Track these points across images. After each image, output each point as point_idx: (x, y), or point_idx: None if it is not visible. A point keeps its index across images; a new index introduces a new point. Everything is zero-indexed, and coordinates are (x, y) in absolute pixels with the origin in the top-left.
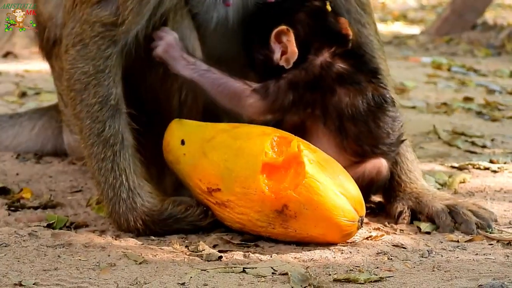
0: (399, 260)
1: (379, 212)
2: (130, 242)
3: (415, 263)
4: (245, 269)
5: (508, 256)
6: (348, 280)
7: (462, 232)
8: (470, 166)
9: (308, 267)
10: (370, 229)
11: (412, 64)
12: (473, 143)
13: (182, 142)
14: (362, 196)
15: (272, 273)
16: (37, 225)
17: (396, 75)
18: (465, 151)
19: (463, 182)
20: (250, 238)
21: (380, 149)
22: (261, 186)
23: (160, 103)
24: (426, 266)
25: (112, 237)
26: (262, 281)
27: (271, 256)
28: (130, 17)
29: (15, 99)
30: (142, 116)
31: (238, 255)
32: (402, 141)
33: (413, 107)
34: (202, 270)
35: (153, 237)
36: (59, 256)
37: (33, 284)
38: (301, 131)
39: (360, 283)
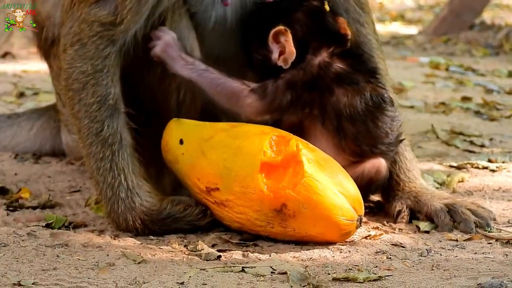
0: (398, 259)
1: (378, 211)
2: (129, 241)
3: (414, 262)
4: (244, 269)
5: (507, 254)
6: (347, 279)
7: (461, 231)
8: (468, 166)
9: (307, 266)
10: (369, 228)
11: (410, 64)
12: (471, 143)
13: (181, 142)
14: (361, 195)
15: (271, 272)
16: (35, 225)
17: (394, 75)
18: (464, 151)
19: (461, 181)
20: (249, 238)
21: (379, 149)
22: (260, 185)
23: (158, 103)
24: (425, 265)
25: (111, 237)
26: (261, 281)
27: (270, 256)
28: (129, 17)
29: (13, 99)
30: (140, 115)
31: (237, 254)
32: (401, 140)
33: (411, 107)
34: (201, 269)
35: (152, 237)
36: (58, 256)
37: (32, 283)
38: (299, 131)
39: (359, 282)
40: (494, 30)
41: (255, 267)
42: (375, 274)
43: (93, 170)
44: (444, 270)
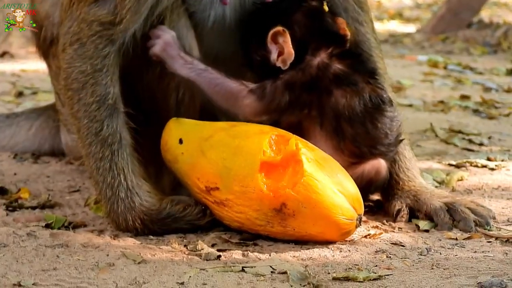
0: (398, 258)
1: (377, 210)
2: (129, 241)
3: (413, 261)
4: (244, 268)
5: (506, 253)
6: (347, 279)
7: (460, 230)
8: (467, 164)
9: (307, 265)
10: (368, 227)
11: (408, 62)
12: (470, 141)
13: (180, 141)
14: (360, 194)
15: (271, 272)
16: (35, 225)
17: (392, 73)
18: (463, 149)
19: (460, 180)
20: (249, 237)
21: (379, 150)
22: (259, 184)
23: (157, 102)
24: (425, 264)
25: (111, 237)
26: (261, 280)
27: (270, 255)
28: (128, 16)
29: (11, 99)
30: (139, 115)
31: (237, 254)
32: (401, 140)
33: (410, 105)
34: (201, 269)
35: (151, 237)
36: (57, 256)
37: (32, 284)
38: (298, 132)
39: (359, 282)
40: (492, 29)
41: (255, 266)
42: (375, 273)
43: (92, 170)
44: (444, 269)
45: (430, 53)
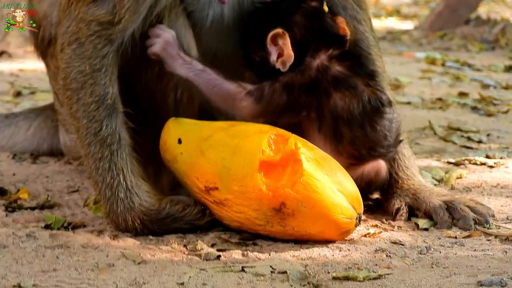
0: (398, 257)
1: (376, 209)
2: (128, 242)
3: (413, 260)
4: (244, 268)
5: (506, 251)
6: (347, 278)
7: (460, 228)
8: (466, 162)
9: (306, 265)
10: (368, 226)
11: (406, 59)
12: (469, 139)
13: (179, 141)
14: (359, 194)
15: (271, 271)
16: (35, 226)
17: (390, 71)
18: (461, 147)
19: (459, 178)
20: (248, 237)
21: (378, 151)
22: (258, 184)
23: (156, 102)
24: (424, 263)
25: (110, 237)
26: (261, 280)
27: (269, 255)
28: (127, 16)
29: (10, 99)
30: (138, 115)
31: (236, 254)
32: (400, 141)
33: (408, 103)
34: (201, 269)
35: (151, 237)
36: (57, 257)
37: (32, 285)
38: (296, 134)
39: (359, 281)
40: (489, 25)
41: (255, 266)
42: (375, 272)
43: (91, 170)
44: (444, 268)
45: (428, 50)
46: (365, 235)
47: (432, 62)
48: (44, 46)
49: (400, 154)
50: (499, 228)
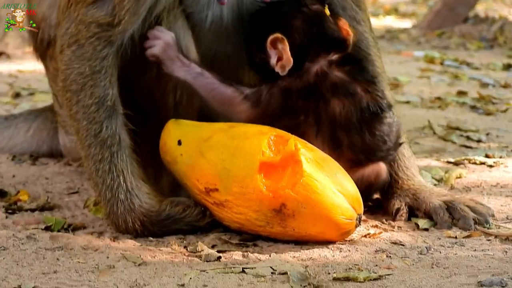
0: (398, 258)
1: (376, 209)
2: (129, 243)
3: (414, 260)
4: (245, 269)
5: (506, 251)
6: (347, 279)
7: (460, 228)
8: (466, 161)
9: (307, 266)
10: (368, 226)
11: (405, 58)
12: (468, 138)
13: (179, 142)
14: (360, 194)
15: (272, 272)
16: (35, 228)
17: (389, 70)
18: (461, 146)
19: (459, 178)
20: (249, 238)
21: (377, 156)
22: (259, 185)
23: (155, 103)
24: (425, 263)
25: (111, 239)
26: (262, 281)
27: (270, 256)
28: (127, 17)
29: (9, 100)
30: (138, 116)
31: (237, 255)
32: (401, 144)
33: (407, 102)
34: (201, 271)
35: (151, 238)
36: (58, 259)
37: (33, 287)
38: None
39: (359, 282)
40: (488, 23)
41: (255, 267)
42: (375, 273)
43: (92, 172)
44: (444, 268)
45: (427, 48)
46: (365, 236)
47: (431, 61)
48: (43, 48)
49: (400, 154)
50: (499, 228)
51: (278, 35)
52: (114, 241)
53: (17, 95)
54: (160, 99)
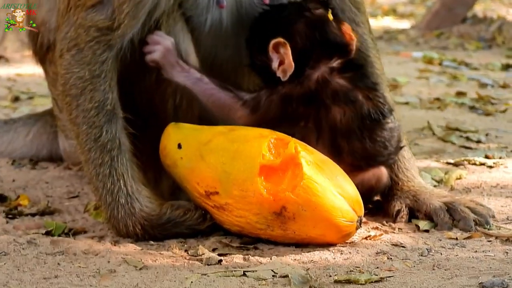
0: (399, 260)
1: (377, 211)
2: (130, 247)
3: (414, 262)
4: (246, 273)
5: (507, 252)
6: (348, 281)
7: (460, 229)
8: (465, 162)
9: (308, 268)
10: (368, 228)
11: (403, 59)
12: (467, 139)
13: (179, 146)
14: (360, 196)
15: (273, 275)
16: (35, 233)
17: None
18: (460, 147)
19: (459, 179)
20: (249, 241)
21: (378, 161)
22: (259, 188)
23: (155, 107)
24: (426, 265)
25: (111, 243)
26: (263, 284)
27: (271, 259)
28: (126, 21)
29: (8, 104)
30: (137, 120)
31: (237, 258)
32: (401, 147)
33: (406, 103)
34: (202, 274)
35: (152, 242)
36: (58, 263)
37: None
38: None
39: (361, 284)
40: (486, 23)
41: (256, 270)
42: (376, 275)
43: (92, 176)
44: (445, 270)
45: (425, 49)
46: (366, 238)
47: (429, 61)
48: (42, 52)
49: (399, 156)
50: (499, 229)
51: (280, 39)
52: (115, 245)
53: (16, 99)
54: (160, 103)
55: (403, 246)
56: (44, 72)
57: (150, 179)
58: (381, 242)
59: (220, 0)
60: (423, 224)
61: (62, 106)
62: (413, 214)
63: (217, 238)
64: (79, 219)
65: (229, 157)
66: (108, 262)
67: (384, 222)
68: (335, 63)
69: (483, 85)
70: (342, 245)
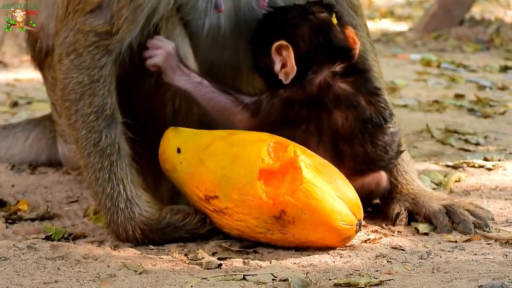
0: (399, 263)
1: (376, 214)
2: (129, 252)
3: (414, 265)
4: (245, 276)
5: (506, 255)
6: (348, 285)
7: (460, 232)
8: (464, 165)
9: (308, 272)
10: (368, 231)
11: (401, 61)
12: (466, 141)
13: (178, 150)
14: (359, 200)
15: (273, 279)
16: (35, 237)
17: (386, 73)
18: (459, 149)
19: (458, 181)
20: (249, 245)
21: (379, 165)
22: (258, 192)
23: (154, 112)
24: (425, 268)
25: (111, 248)
26: None
27: (270, 262)
28: (125, 26)
29: (6, 109)
30: (137, 125)
31: (237, 262)
32: (401, 152)
33: (405, 106)
34: (202, 278)
35: (152, 246)
36: (58, 268)
37: None
38: None
39: (360, 287)
40: (484, 25)
41: (256, 274)
42: (376, 278)
43: (91, 181)
44: (445, 273)
45: (423, 51)
46: (365, 241)
47: (428, 63)
48: (41, 58)
49: (399, 159)
50: (499, 232)
51: (283, 42)
52: (114, 249)
53: (14, 104)
54: (159, 108)
55: (402, 249)
56: (42, 77)
57: (150, 183)
58: (380, 245)
59: (218, 4)
60: (423, 227)
61: (61, 111)
62: (413, 217)
63: (216, 242)
64: (78, 224)
65: (228, 161)
66: (108, 266)
67: (384, 225)
68: (338, 67)
69: (481, 87)
70: (341, 248)
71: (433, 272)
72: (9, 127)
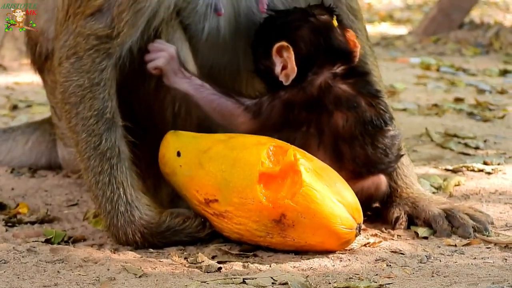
0: (398, 267)
1: (375, 218)
2: (129, 255)
3: (414, 269)
4: (245, 280)
5: (506, 259)
6: None
7: (459, 236)
8: (464, 169)
9: (307, 276)
10: (367, 235)
11: (401, 65)
12: (466, 145)
13: (178, 154)
14: (359, 203)
15: (272, 283)
16: (35, 241)
17: (385, 77)
18: (459, 153)
19: (458, 185)
20: (249, 248)
21: (379, 168)
22: (258, 196)
23: (154, 115)
24: (425, 272)
25: (111, 251)
26: None
27: (270, 266)
28: (125, 29)
29: (6, 112)
30: (137, 128)
31: (237, 265)
32: (401, 156)
33: (404, 110)
34: (202, 282)
35: (151, 250)
36: (58, 271)
37: None
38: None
39: None
40: (483, 29)
41: (256, 278)
42: (376, 282)
43: (91, 184)
44: (444, 277)
45: (422, 55)
46: (365, 245)
47: (427, 67)
48: (41, 62)
49: (398, 162)
50: (498, 236)
51: (284, 43)
52: (114, 253)
53: (14, 108)
54: (159, 111)
55: (402, 253)
56: (42, 81)
57: (150, 187)
58: (380, 249)
59: (217, 8)
60: (422, 231)
61: (61, 114)
62: (412, 221)
63: (216, 246)
64: (78, 227)
65: (228, 164)
66: (108, 270)
67: (383, 229)
68: (338, 69)
69: (481, 91)
70: (341, 252)
71: (432, 276)
72: (9, 130)
